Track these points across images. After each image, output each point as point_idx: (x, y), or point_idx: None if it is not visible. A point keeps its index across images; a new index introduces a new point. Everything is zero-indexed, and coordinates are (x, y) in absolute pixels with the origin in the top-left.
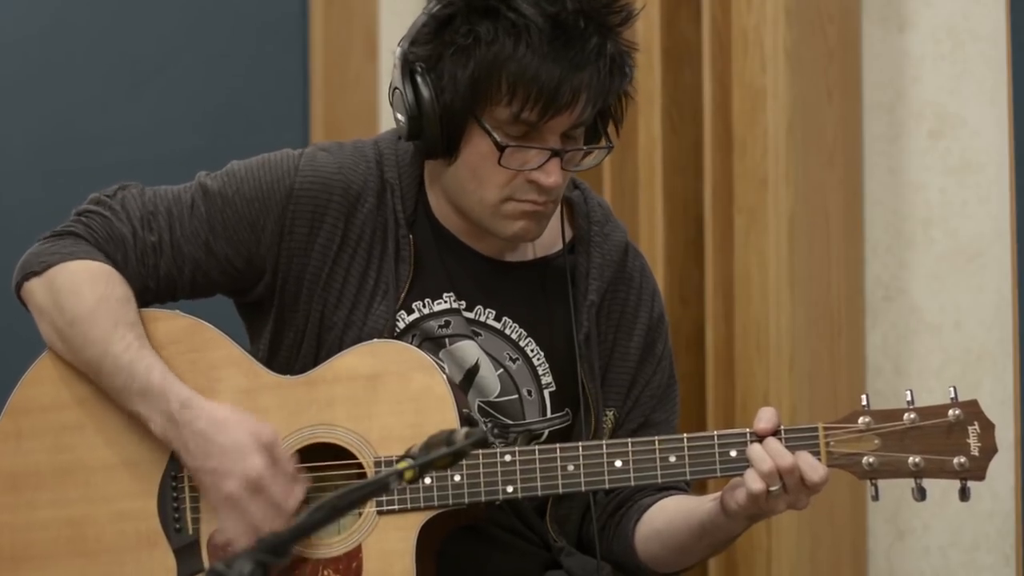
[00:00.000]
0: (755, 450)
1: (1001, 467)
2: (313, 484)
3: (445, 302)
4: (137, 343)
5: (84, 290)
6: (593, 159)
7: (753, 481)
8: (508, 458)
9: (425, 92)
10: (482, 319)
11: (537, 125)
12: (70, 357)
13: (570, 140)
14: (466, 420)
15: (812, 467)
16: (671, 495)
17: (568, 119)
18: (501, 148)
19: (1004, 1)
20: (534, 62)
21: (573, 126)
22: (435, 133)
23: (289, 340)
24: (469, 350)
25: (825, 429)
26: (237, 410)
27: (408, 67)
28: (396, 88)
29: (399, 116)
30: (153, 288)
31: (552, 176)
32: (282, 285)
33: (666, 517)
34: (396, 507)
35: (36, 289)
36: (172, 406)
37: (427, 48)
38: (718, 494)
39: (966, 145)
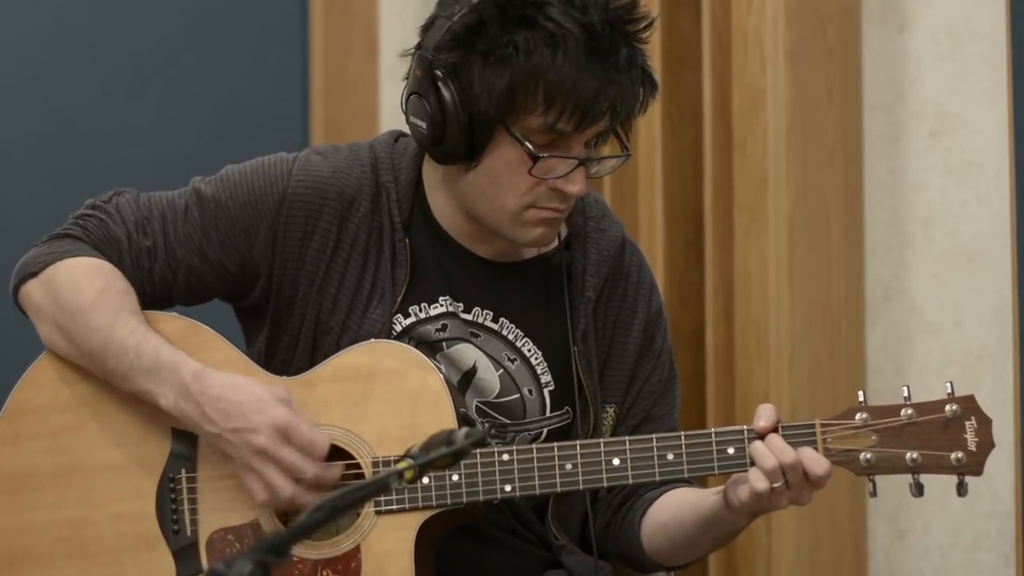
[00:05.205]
0: (758, 447)
1: (1001, 467)
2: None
3: (441, 305)
4: (142, 327)
5: (84, 283)
6: (611, 166)
7: (757, 480)
8: (506, 457)
9: (449, 98)
10: (480, 320)
11: (570, 135)
12: (72, 350)
13: (591, 147)
14: (463, 420)
15: (815, 461)
16: (676, 487)
17: (598, 129)
18: (535, 158)
19: (1004, 1)
20: (572, 73)
21: (598, 135)
22: (458, 140)
23: (284, 344)
24: (466, 353)
25: (822, 425)
26: (247, 376)
27: (431, 73)
28: (415, 93)
29: (418, 122)
30: (149, 292)
31: (578, 185)
32: (276, 290)
33: (671, 512)
34: (395, 507)
35: (33, 290)
36: (184, 377)
37: (454, 55)
38: (721, 488)
39: (966, 145)
